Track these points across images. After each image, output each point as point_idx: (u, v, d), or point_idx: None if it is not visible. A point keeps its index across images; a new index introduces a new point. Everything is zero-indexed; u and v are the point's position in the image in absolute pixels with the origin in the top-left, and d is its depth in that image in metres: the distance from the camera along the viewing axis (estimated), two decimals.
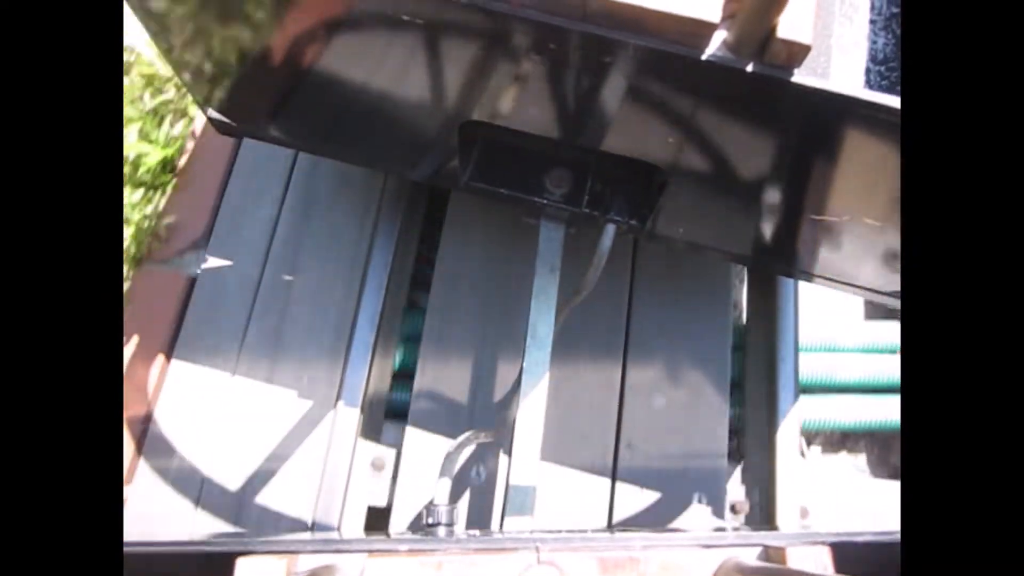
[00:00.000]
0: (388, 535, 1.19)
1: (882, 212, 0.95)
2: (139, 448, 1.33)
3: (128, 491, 1.30)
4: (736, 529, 1.20)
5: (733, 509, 1.34)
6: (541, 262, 1.19)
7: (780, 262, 1.20)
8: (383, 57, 0.95)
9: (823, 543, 0.60)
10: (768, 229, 1.10)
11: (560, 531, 0.93)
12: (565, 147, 1.12)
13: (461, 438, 1.16)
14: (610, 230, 1.11)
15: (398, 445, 1.35)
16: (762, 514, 1.35)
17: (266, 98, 1.12)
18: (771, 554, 0.61)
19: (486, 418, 1.36)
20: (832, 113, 0.79)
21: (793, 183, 0.96)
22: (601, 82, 0.86)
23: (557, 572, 0.58)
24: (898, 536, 0.62)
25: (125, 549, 0.60)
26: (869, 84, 0.80)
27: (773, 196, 1.00)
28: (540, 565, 0.59)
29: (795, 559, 0.58)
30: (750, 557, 0.61)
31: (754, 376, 1.47)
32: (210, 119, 1.21)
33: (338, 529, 1.28)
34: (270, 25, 0.93)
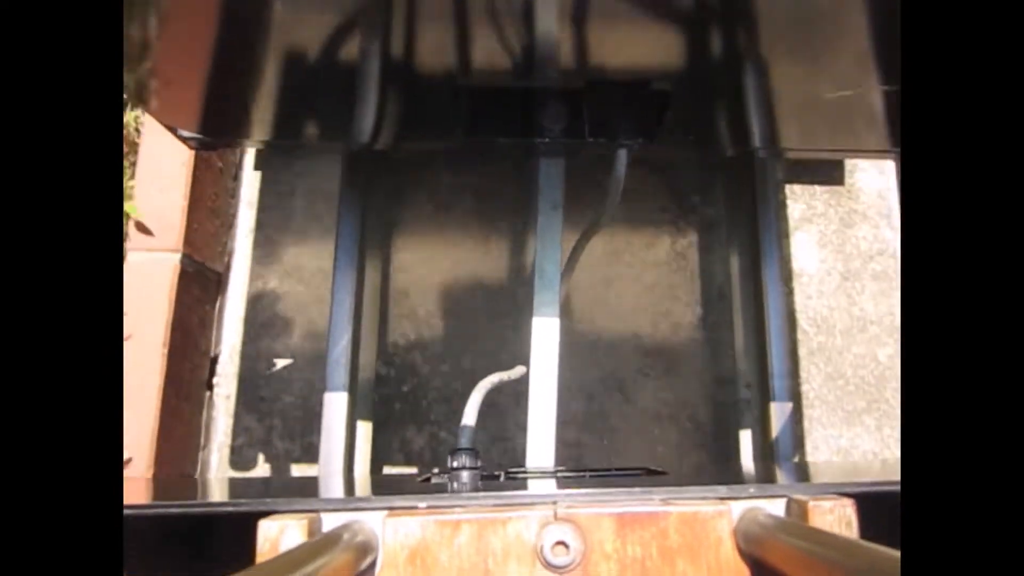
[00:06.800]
0: (410, 479, 1.20)
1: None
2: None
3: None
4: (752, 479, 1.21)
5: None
6: (543, 200, 1.14)
7: (768, 143, 1.19)
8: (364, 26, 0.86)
9: (847, 494, 0.58)
10: (764, 111, 1.06)
11: (582, 474, 0.93)
12: (551, 82, 1.04)
13: (487, 380, 1.12)
14: (622, 156, 1.04)
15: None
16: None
17: (244, 101, 1.04)
18: (793, 507, 0.60)
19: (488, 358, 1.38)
20: None
21: (794, 60, 0.92)
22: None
23: (574, 529, 0.59)
24: None
25: (130, 512, 0.58)
26: None
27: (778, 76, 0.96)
28: (557, 522, 0.59)
29: (818, 515, 0.57)
30: (775, 508, 0.61)
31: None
32: (182, 139, 1.13)
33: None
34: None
